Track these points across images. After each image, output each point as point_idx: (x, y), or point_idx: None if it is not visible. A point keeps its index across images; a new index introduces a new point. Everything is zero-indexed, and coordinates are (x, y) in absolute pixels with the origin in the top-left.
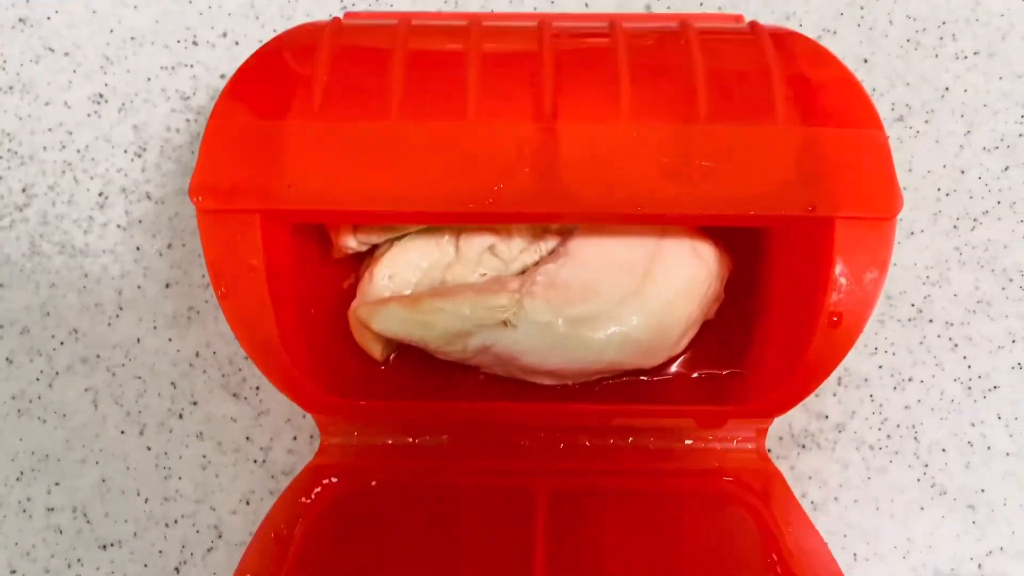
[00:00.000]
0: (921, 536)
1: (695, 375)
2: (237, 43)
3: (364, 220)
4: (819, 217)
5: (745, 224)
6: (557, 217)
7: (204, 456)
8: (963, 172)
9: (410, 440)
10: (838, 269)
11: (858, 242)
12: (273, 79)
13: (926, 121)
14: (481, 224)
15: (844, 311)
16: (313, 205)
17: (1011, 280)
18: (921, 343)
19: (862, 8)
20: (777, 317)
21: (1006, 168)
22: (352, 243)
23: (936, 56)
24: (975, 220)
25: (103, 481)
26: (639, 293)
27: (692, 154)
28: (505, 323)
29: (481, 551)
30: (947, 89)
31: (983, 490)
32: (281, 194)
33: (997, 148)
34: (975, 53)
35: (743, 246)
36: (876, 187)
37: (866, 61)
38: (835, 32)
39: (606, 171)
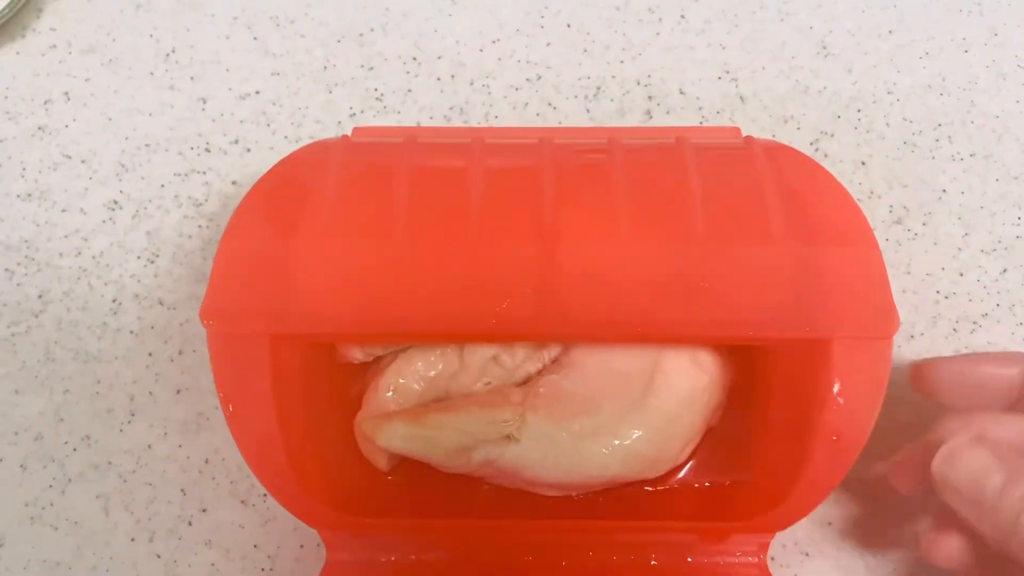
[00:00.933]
0: None
1: (698, 484)
2: (249, 150)
3: (371, 341)
4: (816, 338)
5: (743, 343)
6: (558, 337)
7: (213, 564)
8: (962, 275)
9: (414, 557)
10: (836, 388)
11: (856, 360)
12: (283, 200)
13: (924, 223)
14: (484, 342)
15: (843, 429)
16: (321, 328)
17: None
18: None
19: (859, 111)
20: (777, 430)
21: (1004, 271)
22: (358, 355)
23: (933, 158)
24: (975, 323)
25: None
26: (641, 406)
27: (689, 274)
28: (508, 437)
29: None
30: (944, 191)
31: None
32: (289, 317)
33: (995, 250)
34: (971, 155)
35: (744, 352)
36: (873, 307)
37: (864, 164)
38: (832, 135)
39: (606, 292)
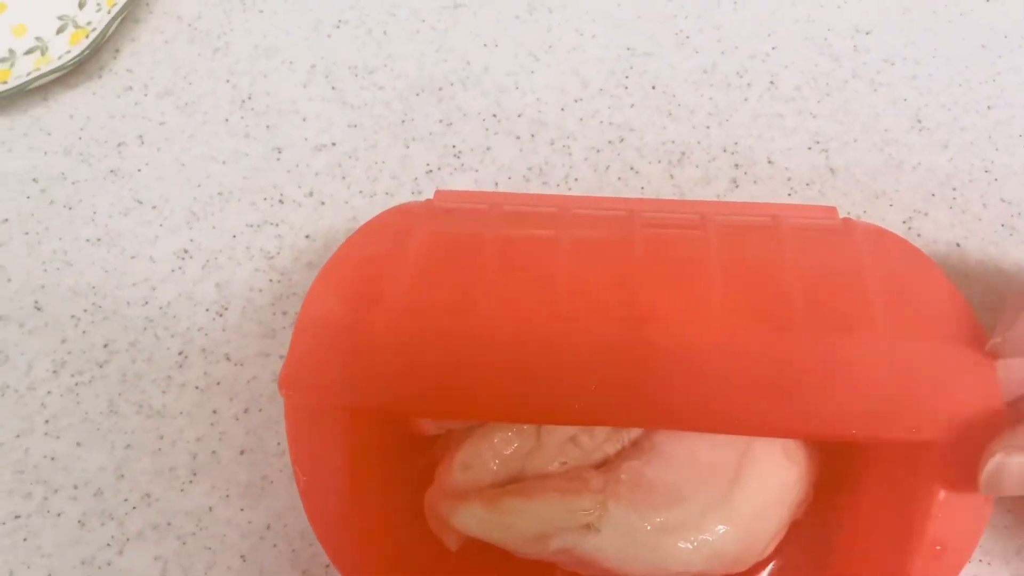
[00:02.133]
0: None
1: None
2: (323, 203)
3: (449, 418)
4: (921, 439)
5: (841, 440)
6: (644, 424)
7: None
8: None
9: None
10: (942, 494)
11: (963, 464)
12: (365, 269)
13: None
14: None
15: (947, 540)
16: (399, 404)
17: None
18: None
19: (954, 189)
20: (870, 532)
21: None
22: (431, 428)
23: None
24: None
25: None
26: (728, 500)
27: (786, 365)
28: (588, 526)
29: None
30: None
31: None
32: (368, 391)
33: None
34: None
35: (837, 445)
36: (980, 408)
37: (959, 245)
38: (926, 213)
39: (696, 380)
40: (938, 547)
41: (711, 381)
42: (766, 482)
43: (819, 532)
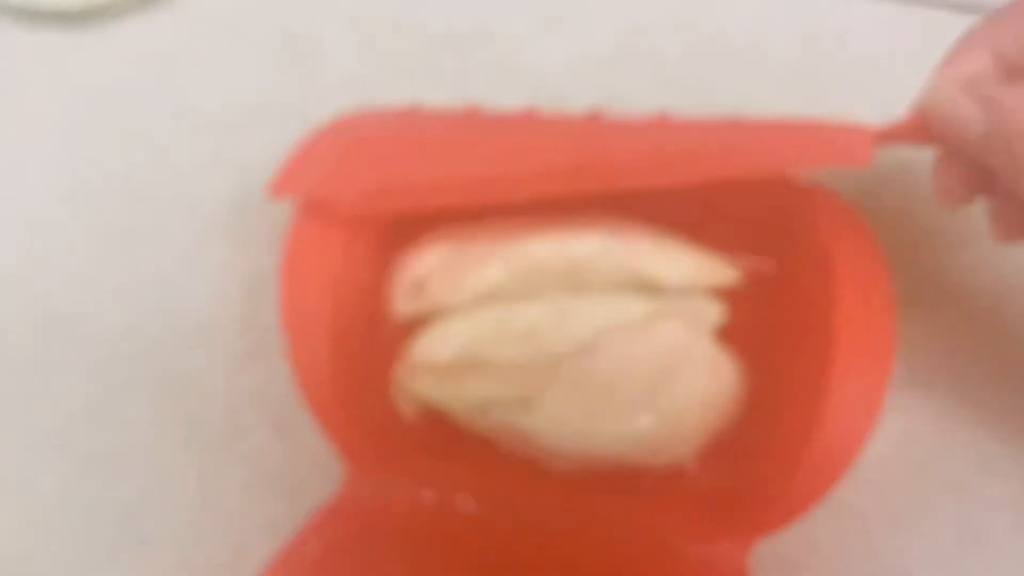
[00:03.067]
0: None
1: (696, 483)
2: None
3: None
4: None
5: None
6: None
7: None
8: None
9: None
10: (832, 407)
11: (853, 387)
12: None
13: None
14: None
15: (834, 446)
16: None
17: (1018, 441)
18: (920, 488)
19: None
20: (778, 439)
21: None
22: (403, 311)
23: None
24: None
25: None
26: (654, 396)
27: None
28: (527, 405)
29: None
30: None
31: None
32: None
33: None
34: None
35: (760, 368)
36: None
37: None
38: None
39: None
40: (825, 452)
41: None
42: (691, 387)
43: (735, 446)
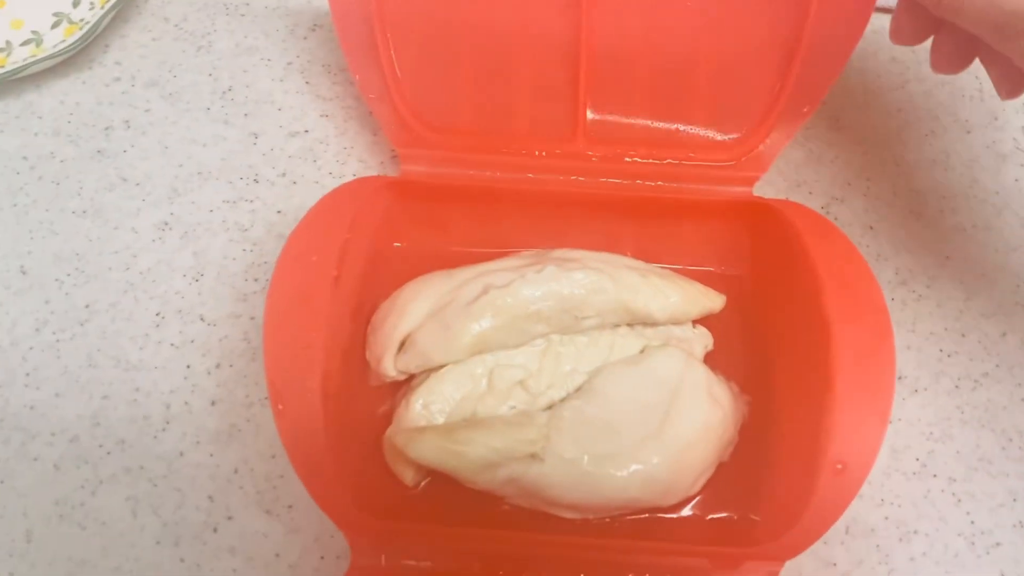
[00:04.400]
0: None
1: (710, 517)
2: (295, 183)
3: None
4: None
5: None
6: None
7: (235, 570)
8: (963, 335)
9: (432, 564)
10: (840, 421)
11: (860, 391)
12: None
13: (928, 286)
14: None
15: (848, 458)
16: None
17: (1011, 440)
18: (925, 497)
19: (868, 180)
20: (786, 462)
21: (1004, 334)
22: (391, 372)
23: (937, 227)
24: (976, 381)
25: None
26: (659, 434)
27: None
28: (533, 456)
29: None
30: (947, 258)
31: None
32: None
33: (995, 315)
34: (973, 226)
35: (757, 391)
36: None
37: (872, 228)
38: (843, 200)
39: None
40: (839, 466)
41: None
42: (693, 419)
43: (743, 474)
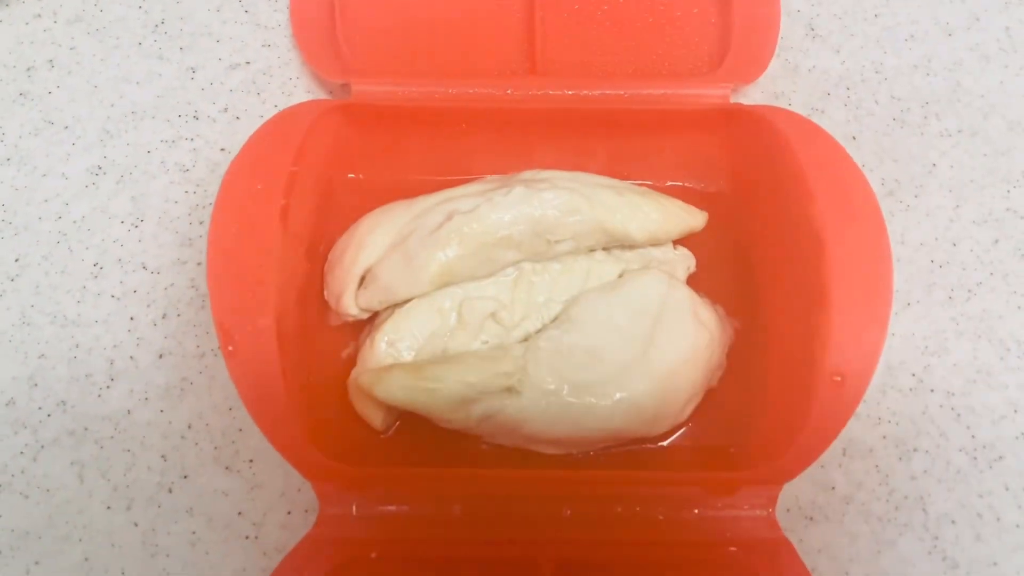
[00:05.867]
0: None
1: (701, 446)
2: (238, 118)
3: None
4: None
5: None
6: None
7: (194, 532)
8: (955, 244)
9: (409, 509)
10: (836, 327)
11: (856, 298)
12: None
13: (916, 196)
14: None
15: (846, 369)
16: None
17: (1008, 350)
18: (923, 413)
19: (848, 89)
20: (780, 380)
21: (996, 241)
22: (352, 310)
23: (922, 134)
24: (969, 291)
25: (86, 560)
26: (643, 359)
27: None
28: (510, 390)
29: None
30: (934, 165)
31: (996, 563)
32: None
33: (986, 222)
34: (959, 131)
35: (745, 313)
36: None
37: (854, 138)
38: (823, 111)
39: None
40: (838, 377)
41: None
42: (678, 343)
43: (733, 400)
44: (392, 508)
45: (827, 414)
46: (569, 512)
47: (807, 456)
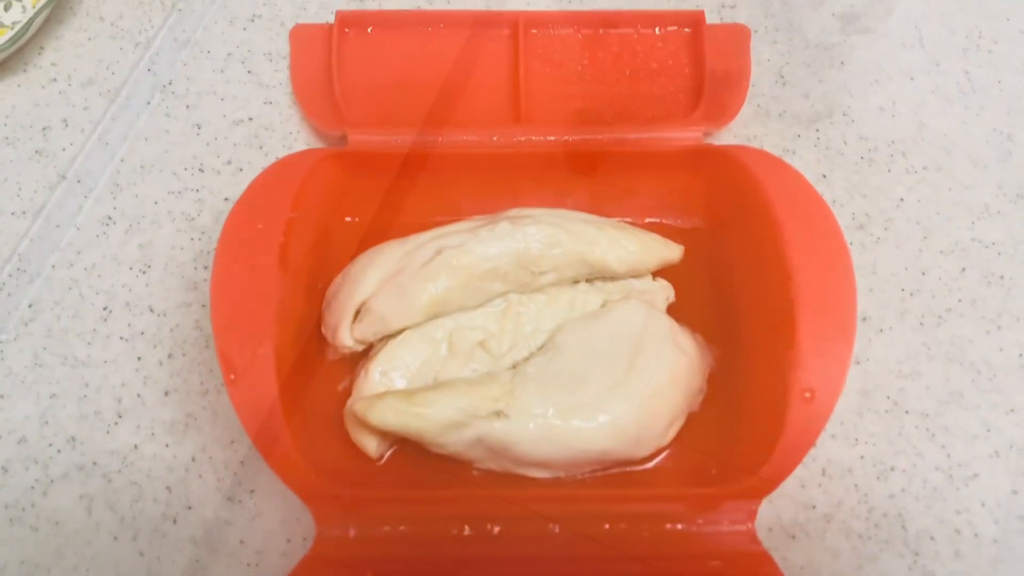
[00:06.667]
0: None
1: (683, 467)
2: (241, 170)
3: None
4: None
5: None
6: None
7: (197, 561)
8: (924, 273)
9: (404, 530)
10: (805, 347)
11: (823, 319)
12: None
13: (885, 228)
14: None
15: (816, 385)
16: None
17: (979, 372)
18: (900, 434)
19: (818, 131)
20: (755, 402)
21: (963, 269)
22: (348, 341)
23: (889, 171)
24: (939, 317)
25: None
26: (625, 383)
27: None
28: (498, 414)
29: None
30: (902, 200)
31: None
32: None
33: (953, 252)
34: (924, 168)
35: (722, 340)
36: None
37: (825, 176)
38: (794, 152)
39: None
40: (807, 394)
41: None
42: (659, 367)
43: (714, 423)
44: (387, 529)
45: (800, 428)
46: (558, 529)
47: (783, 469)
